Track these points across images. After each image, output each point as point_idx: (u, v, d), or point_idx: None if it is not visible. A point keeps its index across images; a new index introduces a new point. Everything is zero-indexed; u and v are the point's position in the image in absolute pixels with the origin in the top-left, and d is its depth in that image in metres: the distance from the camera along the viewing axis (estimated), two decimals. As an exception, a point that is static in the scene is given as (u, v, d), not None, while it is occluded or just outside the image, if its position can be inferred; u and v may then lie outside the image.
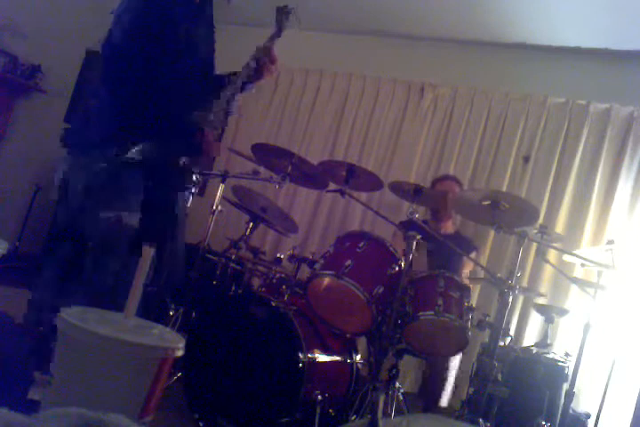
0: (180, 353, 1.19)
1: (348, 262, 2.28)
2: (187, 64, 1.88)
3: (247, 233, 3.07)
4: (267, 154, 2.88)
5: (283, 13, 2.02)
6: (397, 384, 2.40)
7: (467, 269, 3.38)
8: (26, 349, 1.60)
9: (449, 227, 3.46)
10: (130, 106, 1.81)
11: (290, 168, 2.68)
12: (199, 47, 1.97)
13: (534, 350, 2.75)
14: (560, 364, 2.67)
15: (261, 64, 2.02)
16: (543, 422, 2.50)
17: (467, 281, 3.02)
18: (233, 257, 3.05)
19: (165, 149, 1.89)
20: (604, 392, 2.81)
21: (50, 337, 1.16)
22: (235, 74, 2.04)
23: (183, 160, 1.94)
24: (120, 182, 1.81)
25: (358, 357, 2.53)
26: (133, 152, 1.78)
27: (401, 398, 2.42)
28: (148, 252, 1.26)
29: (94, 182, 1.80)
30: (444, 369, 3.15)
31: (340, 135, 4.49)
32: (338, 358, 2.45)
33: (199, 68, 1.96)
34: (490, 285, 3.41)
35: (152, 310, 1.98)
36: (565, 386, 2.62)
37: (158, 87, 1.81)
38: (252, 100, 4.66)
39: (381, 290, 2.26)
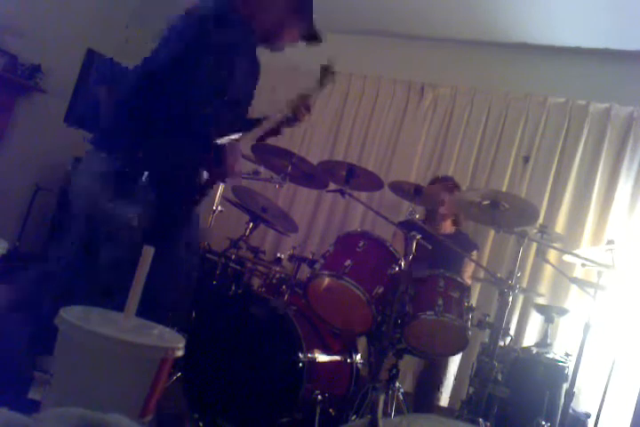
0: (180, 353, 1.19)
1: (348, 262, 2.28)
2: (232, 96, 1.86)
3: (247, 233, 3.07)
4: (267, 154, 2.88)
5: (327, 72, 2.07)
6: (397, 384, 2.41)
7: (469, 269, 3.37)
8: (26, 347, 1.60)
9: (448, 227, 3.45)
10: (159, 124, 1.76)
11: (290, 168, 2.69)
12: (243, 82, 1.93)
13: (534, 350, 2.75)
14: (560, 364, 2.67)
15: (298, 114, 2.04)
16: (543, 422, 2.50)
17: (469, 281, 3.02)
18: (233, 257, 3.05)
19: (188, 164, 1.88)
20: (604, 392, 2.81)
21: (51, 336, 1.16)
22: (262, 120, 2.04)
23: (205, 177, 1.93)
24: (138, 188, 1.79)
25: (358, 357, 2.53)
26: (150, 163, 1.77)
27: (401, 398, 2.43)
28: (149, 252, 1.26)
29: (109, 185, 1.78)
30: (444, 369, 3.15)
31: (340, 135, 4.49)
32: (338, 358, 2.45)
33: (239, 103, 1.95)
34: (490, 285, 3.42)
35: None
36: (565, 386, 2.62)
37: (196, 114, 1.78)
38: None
39: (381, 290, 2.26)
